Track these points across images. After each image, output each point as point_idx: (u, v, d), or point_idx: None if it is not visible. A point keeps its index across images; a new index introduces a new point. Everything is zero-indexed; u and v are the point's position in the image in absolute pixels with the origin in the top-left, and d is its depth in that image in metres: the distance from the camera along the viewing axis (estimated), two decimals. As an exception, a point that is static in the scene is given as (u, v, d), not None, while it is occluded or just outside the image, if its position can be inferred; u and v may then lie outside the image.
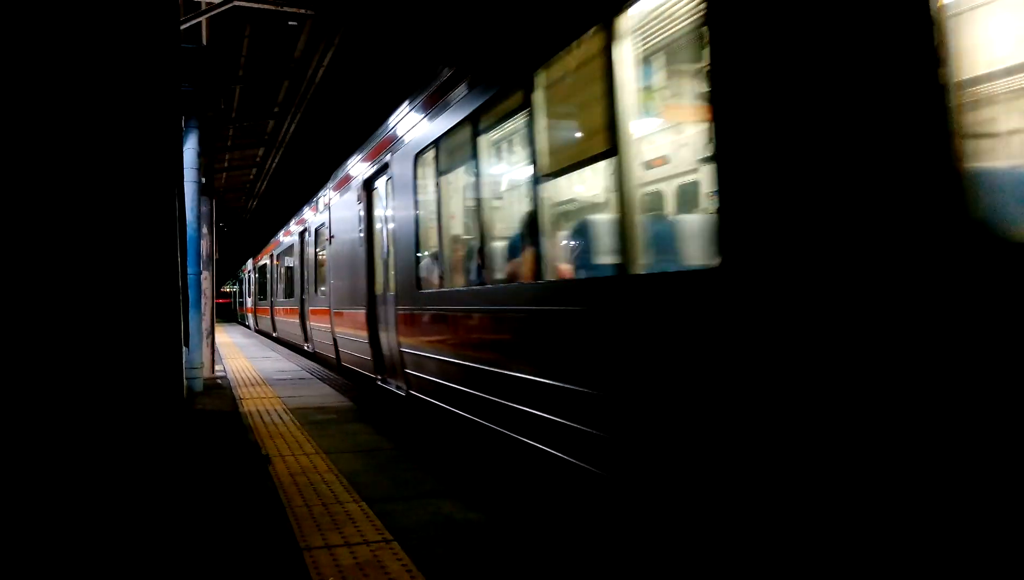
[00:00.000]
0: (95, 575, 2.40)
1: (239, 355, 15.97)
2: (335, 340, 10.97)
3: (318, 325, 12.73)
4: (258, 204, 31.64)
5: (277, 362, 14.13)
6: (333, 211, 11.27)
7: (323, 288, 12.28)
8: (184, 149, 8.63)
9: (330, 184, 11.69)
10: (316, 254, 13.40)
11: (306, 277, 14.78)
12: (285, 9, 9.39)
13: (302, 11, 9.54)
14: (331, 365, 12.13)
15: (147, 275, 2.63)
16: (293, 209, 18.92)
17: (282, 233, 20.05)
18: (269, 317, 22.21)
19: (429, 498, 4.27)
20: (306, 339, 14.74)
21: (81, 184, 2.48)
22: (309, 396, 8.99)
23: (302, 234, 15.27)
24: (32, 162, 2.40)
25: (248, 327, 32.22)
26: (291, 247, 17.48)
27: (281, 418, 7.31)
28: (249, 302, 31.83)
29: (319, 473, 4.93)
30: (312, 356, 14.37)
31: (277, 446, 5.87)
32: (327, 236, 11.70)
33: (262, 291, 25.53)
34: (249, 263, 31.91)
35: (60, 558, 2.37)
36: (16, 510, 2.33)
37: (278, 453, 5.59)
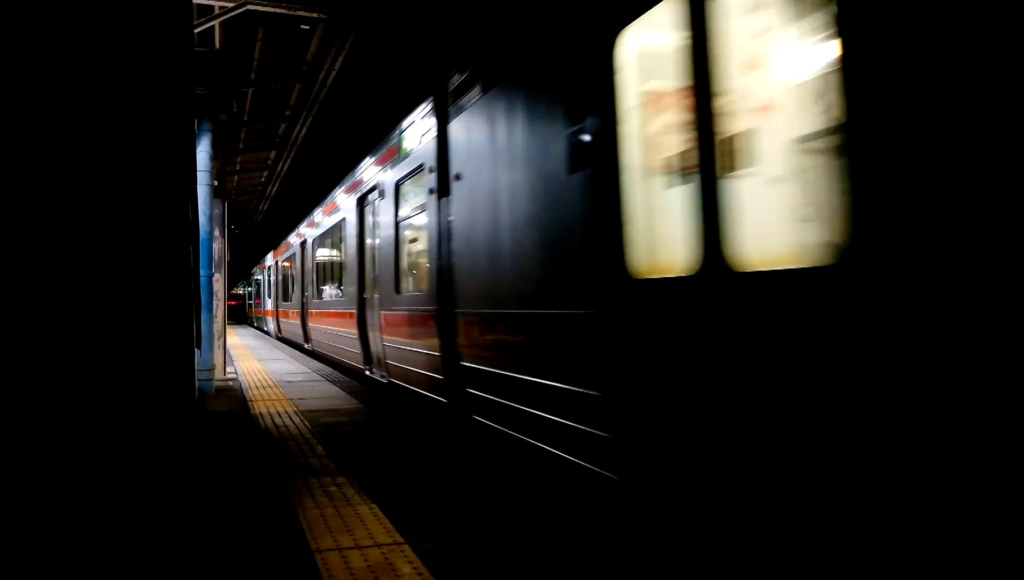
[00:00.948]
0: (109, 575, 2.41)
1: (250, 357, 16.03)
2: (460, 373, 5.95)
3: (402, 343, 7.66)
4: (269, 207, 31.80)
5: (288, 364, 14.17)
6: (464, 133, 5.92)
7: (418, 278, 7.62)
8: (197, 151, 8.69)
9: (454, 85, 6.19)
10: (398, 226, 8.12)
11: (373, 266, 9.43)
12: (298, 13, 9.44)
13: (314, 15, 9.59)
14: (437, 408, 6.71)
15: (160, 277, 2.64)
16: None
17: (321, 211, 14.43)
18: (299, 323, 17.00)
19: (440, 502, 4.26)
20: (369, 361, 9.70)
21: (96, 186, 2.49)
22: (320, 398, 9.00)
23: (362, 202, 10.19)
24: (49, 164, 2.41)
25: (266, 333, 27.82)
26: (337, 227, 12.17)
27: (292, 420, 7.32)
28: (269, 304, 26.12)
29: (330, 475, 4.93)
30: (386, 388, 8.84)
31: (288, 448, 5.87)
32: (431, 186, 6.64)
33: (287, 290, 20.23)
34: (269, 258, 26.71)
35: (74, 558, 2.38)
36: (29, 510, 2.34)
37: (289, 455, 5.59)
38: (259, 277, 32.51)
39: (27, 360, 2.35)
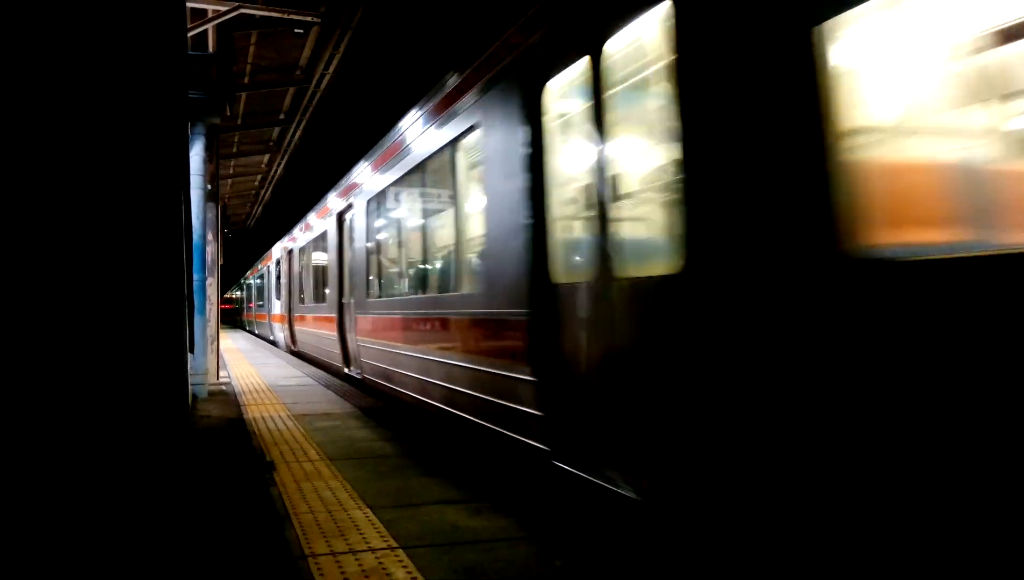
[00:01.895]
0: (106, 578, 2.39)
1: (244, 362, 15.98)
2: None
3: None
4: (263, 211, 31.77)
5: (281, 369, 14.12)
6: None
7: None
8: (191, 155, 8.66)
9: None
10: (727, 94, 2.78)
11: (562, 214, 4.29)
12: (291, 16, 9.44)
13: (308, 18, 9.59)
14: None
15: (153, 280, 2.63)
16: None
17: (404, 134, 7.39)
18: (336, 336, 10.68)
19: (434, 505, 4.25)
20: (566, 437, 4.12)
21: (88, 190, 2.48)
22: (313, 403, 8.97)
23: (536, 80, 4.38)
24: (40, 168, 2.40)
25: (272, 342, 22.28)
26: (437, 161, 6.44)
27: (285, 424, 7.30)
28: (278, 307, 19.89)
29: (324, 479, 4.91)
30: (638, 507, 3.48)
31: (282, 452, 5.85)
32: None
33: (312, 287, 14.20)
34: (277, 249, 20.42)
35: (64, 568, 2.36)
36: (19, 518, 2.32)
37: (283, 459, 5.57)
38: (260, 276, 26.26)
39: (17, 362, 2.33)
